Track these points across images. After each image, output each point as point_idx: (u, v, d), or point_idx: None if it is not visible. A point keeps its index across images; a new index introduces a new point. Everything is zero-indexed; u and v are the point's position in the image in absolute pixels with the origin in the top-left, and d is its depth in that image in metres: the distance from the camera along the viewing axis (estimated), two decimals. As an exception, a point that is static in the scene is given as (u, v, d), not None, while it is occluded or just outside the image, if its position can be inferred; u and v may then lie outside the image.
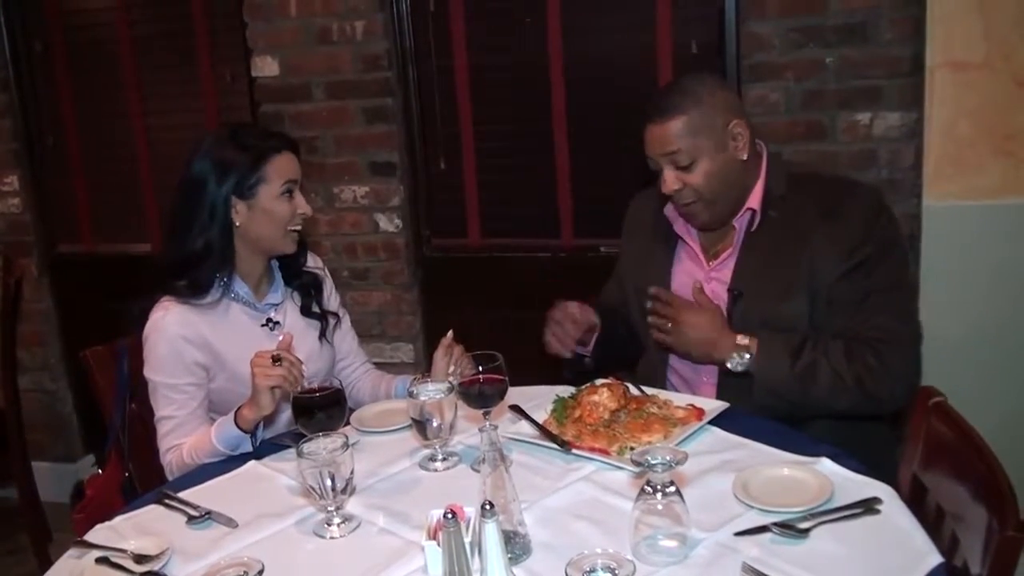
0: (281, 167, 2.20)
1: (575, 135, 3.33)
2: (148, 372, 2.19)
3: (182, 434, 2.16)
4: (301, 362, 2.06)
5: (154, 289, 2.22)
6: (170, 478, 2.15)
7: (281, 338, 2.11)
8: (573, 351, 2.36)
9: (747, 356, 2.10)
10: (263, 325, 2.29)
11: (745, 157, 2.17)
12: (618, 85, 3.22)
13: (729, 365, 2.12)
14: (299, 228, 2.27)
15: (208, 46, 3.66)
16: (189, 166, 2.20)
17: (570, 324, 2.33)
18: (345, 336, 2.51)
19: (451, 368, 2.08)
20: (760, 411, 2.07)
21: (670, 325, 2.17)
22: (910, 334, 2.16)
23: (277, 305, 2.34)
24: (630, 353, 2.48)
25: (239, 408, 2.07)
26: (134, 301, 2.24)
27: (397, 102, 3.42)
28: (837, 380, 2.06)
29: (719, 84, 2.24)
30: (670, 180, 2.16)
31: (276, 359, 2.00)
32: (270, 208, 2.20)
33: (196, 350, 2.18)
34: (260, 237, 2.23)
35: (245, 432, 2.07)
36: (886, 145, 2.92)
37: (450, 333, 2.23)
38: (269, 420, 2.11)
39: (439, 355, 2.20)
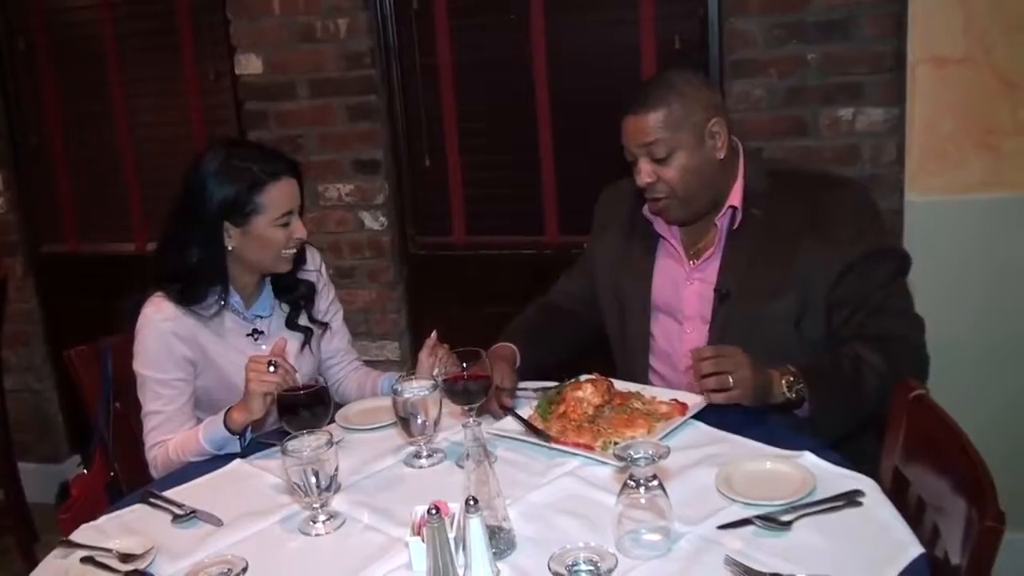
0: (278, 197, 2.17)
1: (559, 132, 3.34)
2: (138, 366, 2.19)
3: (168, 430, 2.16)
4: (295, 370, 2.07)
5: (146, 285, 2.21)
6: (154, 474, 2.16)
7: (273, 344, 2.11)
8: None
9: (800, 381, 1.97)
10: (248, 335, 2.29)
11: (722, 156, 2.16)
12: (602, 81, 3.22)
13: (789, 394, 1.97)
14: (294, 251, 2.25)
15: (192, 44, 3.64)
16: (185, 184, 2.18)
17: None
18: (336, 334, 2.50)
19: (435, 369, 2.08)
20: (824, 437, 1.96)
21: (730, 379, 1.93)
22: (921, 321, 2.15)
23: (264, 317, 2.33)
24: (574, 349, 2.47)
25: (229, 409, 2.07)
26: (127, 296, 2.23)
27: (381, 100, 3.42)
28: (879, 375, 2.02)
29: (702, 81, 2.22)
30: (645, 172, 2.14)
31: (272, 365, 2.00)
32: (264, 235, 2.18)
33: (185, 346, 2.18)
34: (254, 261, 2.22)
35: (234, 434, 2.07)
36: (868, 141, 2.93)
37: (434, 334, 2.22)
38: (258, 424, 2.11)
39: (424, 356, 2.19)
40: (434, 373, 2.04)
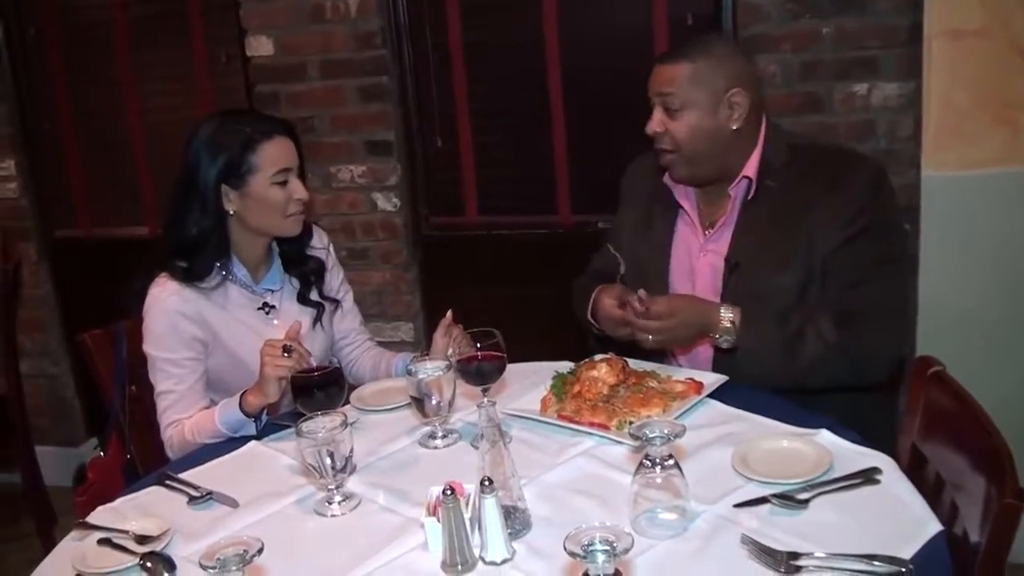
0: (273, 154, 2.18)
1: (571, 111, 3.32)
2: (147, 347, 2.20)
3: (181, 409, 2.17)
4: (310, 354, 2.07)
5: (153, 266, 2.22)
6: (170, 453, 2.17)
7: (288, 328, 2.11)
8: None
9: (731, 325, 2.07)
10: (259, 308, 2.29)
11: (735, 127, 2.16)
12: (614, 59, 3.20)
13: (717, 340, 2.10)
14: (299, 213, 2.25)
15: (202, 27, 3.63)
16: (184, 153, 2.20)
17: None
18: (347, 314, 2.51)
19: (450, 350, 2.08)
20: (750, 382, 2.05)
21: (655, 325, 2.07)
22: (901, 307, 2.15)
23: (274, 291, 2.33)
24: None
25: (244, 393, 2.07)
26: (133, 279, 2.24)
27: (392, 80, 3.41)
28: (824, 348, 2.04)
29: (738, 51, 2.23)
30: (655, 120, 2.18)
31: (287, 349, 2.00)
32: (263, 196, 2.18)
33: (194, 325, 2.19)
34: (259, 224, 2.22)
35: (249, 417, 2.08)
36: (884, 116, 2.90)
37: (449, 313, 2.22)
38: (273, 406, 2.11)
39: (438, 336, 2.20)
40: (449, 353, 2.04)
